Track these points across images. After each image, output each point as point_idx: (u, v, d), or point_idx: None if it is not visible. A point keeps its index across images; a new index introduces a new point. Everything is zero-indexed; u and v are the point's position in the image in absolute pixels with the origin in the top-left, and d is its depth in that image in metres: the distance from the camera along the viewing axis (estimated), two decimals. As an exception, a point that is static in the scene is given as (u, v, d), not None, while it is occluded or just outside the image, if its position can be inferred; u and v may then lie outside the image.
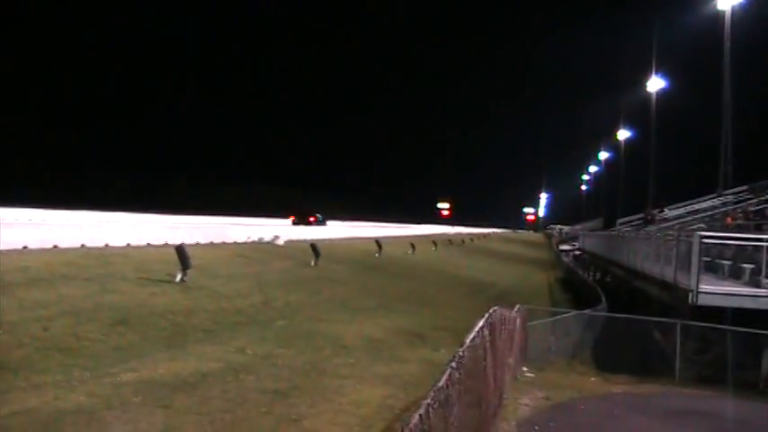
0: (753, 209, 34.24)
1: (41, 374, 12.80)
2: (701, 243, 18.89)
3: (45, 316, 16.48)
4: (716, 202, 42.43)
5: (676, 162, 78.15)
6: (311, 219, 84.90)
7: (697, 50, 59.13)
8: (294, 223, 78.20)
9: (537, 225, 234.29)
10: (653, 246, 25.53)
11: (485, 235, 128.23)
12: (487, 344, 9.91)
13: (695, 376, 18.53)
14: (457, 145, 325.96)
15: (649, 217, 47.87)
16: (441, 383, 5.83)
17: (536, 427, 13.13)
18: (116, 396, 11.95)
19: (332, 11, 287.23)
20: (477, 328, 9.09)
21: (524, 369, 18.44)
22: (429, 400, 5.29)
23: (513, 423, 13.07)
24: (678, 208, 48.78)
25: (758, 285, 18.33)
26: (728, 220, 33.65)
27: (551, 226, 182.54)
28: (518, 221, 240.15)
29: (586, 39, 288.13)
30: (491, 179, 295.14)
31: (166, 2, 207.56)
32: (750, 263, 19.61)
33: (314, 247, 36.99)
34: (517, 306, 18.94)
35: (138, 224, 40.58)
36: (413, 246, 59.72)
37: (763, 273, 18.32)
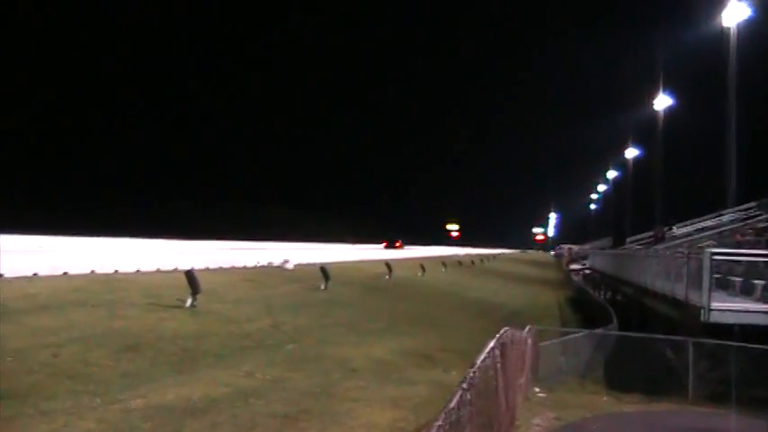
0: (762, 225, 34.13)
1: (50, 401, 12.75)
2: (712, 260, 18.83)
3: (54, 342, 16.46)
4: (725, 218, 42.33)
5: (685, 179, 78.08)
6: (397, 244, 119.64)
7: (703, 67, 59.23)
8: (386, 247, 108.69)
9: (546, 245, 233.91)
10: (663, 264, 25.45)
11: (494, 256, 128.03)
12: (498, 364, 9.85)
13: (708, 394, 18.38)
14: (466, 166, 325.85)
15: (659, 235, 47.78)
16: (452, 405, 5.77)
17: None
18: (125, 422, 11.89)
19: (339, 23, 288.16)
20: (487, 349, 9.04)
21: (536, 389, 18.33)
22: (440, 422, 5.23)
23: (526, 444, 12.99)
24: (687, 225, 48.67)
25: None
26: (737, 236, 33.52)
27: (561, 245, 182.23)
28: (527, 242, 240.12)
29: (593, 58, 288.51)
30: (500, 200, 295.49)
31: (170, 26, 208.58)
32: (761, 279, 19.53)
33: (324, 270, 36.94)
34: (528, 326, 18.87)
35: (147, 249, 40.66)
36: (423, 267, 59.63)
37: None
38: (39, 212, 76.05)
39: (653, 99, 62.88)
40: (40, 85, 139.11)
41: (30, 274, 25.33)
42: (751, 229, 34.45)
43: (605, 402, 18.34)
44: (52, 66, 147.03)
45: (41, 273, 26.04)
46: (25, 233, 42.60)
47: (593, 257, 79.80)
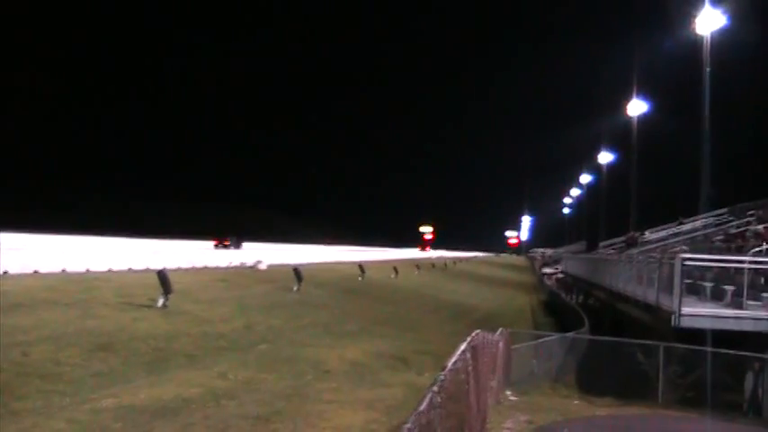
0: (733, 231, 34.43)
1: (20, 401, 12.64)
2: (683, 265, 18.96)
3: (25, 341, 16.30)
4: (697, 224, 42.64)
5: (658, 185, 78.66)
6: (427, 248, 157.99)
7: (677, 74, 59.77)
8: (420, 250, 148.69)
9: (520, 248, 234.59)
10: (635, 268, 25.61)
11: (467, 259, 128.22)
12: (470, 367, 9.86)
13: (678, 398, 18.55)
14: (439, 169, 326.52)
15: (631, 240, 48.06)
16: (422, 408, 5.77)
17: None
18: (96, 422, 11.82)
19: (311, 23, 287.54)
20: (459, 352, 9.06)
21: (508, 393, 18.39)
22: (410, 425, 5.24)
23: (497, 447, 13.02)
24: (659, 230, 48.97)
25: (740, 307, 18.39)
26: (708, 242, 33.75)
27: (534, 249, 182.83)
28: (501, 245, 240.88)
29: (568, 62, 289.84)
30: (474, 203, 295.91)
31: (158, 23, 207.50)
32: (731, 284, 19.69)
33: (297, 271, 36.86)
34: (500, 329, 18.92)
35: (119, 248, 40.43)
36: (396, 270, 59.63)
37: (745, 294, 18.39)
38: (9, 210, 75.33)
39: (627, 105, 63.30)
40: (10, 83, 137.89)
41: (0, 272, 25.09)
42: (722, 234, 34.74)
43: (577, 406, 18.43)
44: (27, 64, 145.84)
45: (12, 271, 25.81)
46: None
47: (566, 261, 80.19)
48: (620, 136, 72.86)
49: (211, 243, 69.38)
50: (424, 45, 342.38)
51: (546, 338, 23.82)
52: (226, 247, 71.69)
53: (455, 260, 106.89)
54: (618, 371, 19.53)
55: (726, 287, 19.97)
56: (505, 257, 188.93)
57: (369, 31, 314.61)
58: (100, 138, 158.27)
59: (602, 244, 63.55)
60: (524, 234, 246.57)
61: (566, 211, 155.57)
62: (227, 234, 76.82)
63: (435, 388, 6.50)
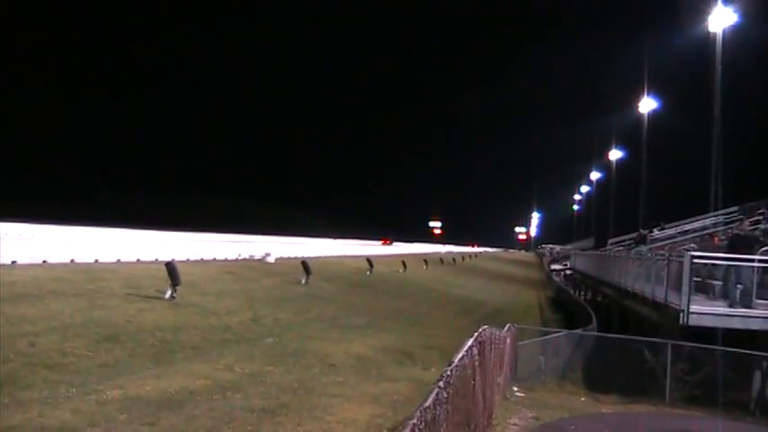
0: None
1: (26, 391, 12.67)
2: (692, 263, 18.86)
3: (32, 331, 16.34)
4: (706, 222, 42.43)
5: (668, 182, 78.33)
6: (475, 245, 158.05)
7: (689, 71, 59.39)
8: (471, 247, 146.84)
9: (529, 244, 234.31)
10: (644, 266, 25.51)
11: (476, 254, 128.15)
12: (476, 363, 9.82)
13: (685, 396, 18.47)
14: (449, 164, 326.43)
15: (638, 237, 47.91)
16: (427, 403, 5.74)
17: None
18: (101, 413, 11.81)
19: (320, 15, 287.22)
20: (465, 347, 9.01)
21: (514, 389, 18.35)
22: (415, 420, 5.20)
23: (503, 443, 12.98)
24: (668, 228, 48.73)
25: (748, 306, 18.29)
26: (716, 240, 33.67)
27: (543, 245, 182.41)
28: (510, 241, 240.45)
29: (578, 58, 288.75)
30: (483, 198, 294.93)
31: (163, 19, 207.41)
32: (740, 283, 19.57)
33: (305, 264, 36.89)
34: (507, 325, 18.87)
35: (128, 240, 40.42)
36: (404, 264, 59.64)
37: (754, 293, 18.28)
38: (18, 200, 75.42)
39: (638, 102, 62.99)
40: (20, 73, 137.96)
41: (8, 262, 25.13)
42: (735, 231, 34.53)
43: (583, 403, 18.40)
44: (30, 51, 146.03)
45: (21, 261, 25.85)
46: (4, 221, 42.23)
47: (574, 258, 80.00)
48: (630, 133, 72.60)
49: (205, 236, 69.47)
50: (435, 38, 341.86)
51: (553, 335, 23.76)
52: (388, 245, 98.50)
53: (463, 255, 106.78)
54: (625, 368, 19.48)
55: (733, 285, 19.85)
56: (514, 253, 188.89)
57: (377, 23, 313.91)
58: (110, 128, 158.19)
59: (610, 241, 63.34)
60: (534, 230, 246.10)
61: (575, 207, 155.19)
62: (388, 236, 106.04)
63: (441, 383, 6.47)
